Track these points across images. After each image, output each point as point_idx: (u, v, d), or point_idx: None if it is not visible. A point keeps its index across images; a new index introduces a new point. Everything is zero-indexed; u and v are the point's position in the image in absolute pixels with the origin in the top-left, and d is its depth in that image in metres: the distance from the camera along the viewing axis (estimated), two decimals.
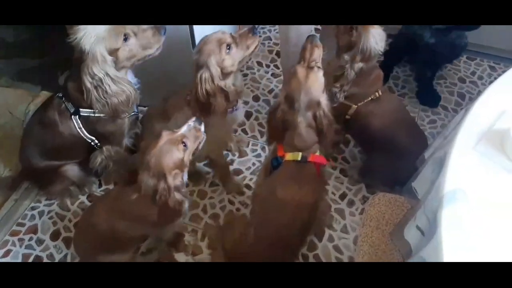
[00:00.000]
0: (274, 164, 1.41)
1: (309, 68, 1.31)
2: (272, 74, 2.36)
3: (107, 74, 1.38)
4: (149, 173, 1.25)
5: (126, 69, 1.50)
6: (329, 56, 1.54)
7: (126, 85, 1.45)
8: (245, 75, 2.34)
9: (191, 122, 1.33)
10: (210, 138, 1.44)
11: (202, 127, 1.35)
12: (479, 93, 2.24)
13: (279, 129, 1.36)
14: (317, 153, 1.37)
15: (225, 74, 1.46)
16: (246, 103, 2.21)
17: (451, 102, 2.24)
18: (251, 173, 1.94)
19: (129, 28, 1.40)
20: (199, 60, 1.41)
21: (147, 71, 1.61)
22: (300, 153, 1.34)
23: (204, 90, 1.41)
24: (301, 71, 1.30)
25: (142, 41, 1.45)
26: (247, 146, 2.04)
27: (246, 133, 2.09)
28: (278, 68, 2.39)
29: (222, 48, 1.40)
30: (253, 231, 1.39)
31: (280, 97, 1.35)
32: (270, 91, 2.28)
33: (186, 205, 1.36)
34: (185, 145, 1.28)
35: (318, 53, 1.35)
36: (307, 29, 1.77)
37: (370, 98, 1.62)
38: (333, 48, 1.62)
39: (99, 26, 1.34)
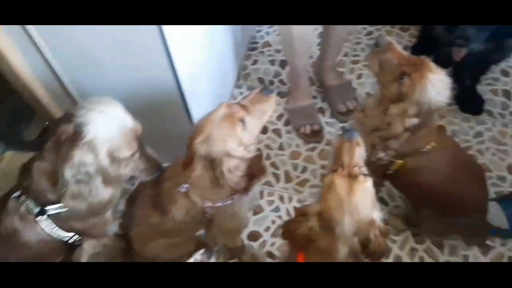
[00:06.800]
0: None
1: (352, 177, 0.91)
2: (279, 93, 1.94)
3: (102, 170, 1.07)
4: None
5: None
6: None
7: (117, 189, 1.18)
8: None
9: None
10: (226, 227, 1.27)
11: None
12: None
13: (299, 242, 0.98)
14: None
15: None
16: None
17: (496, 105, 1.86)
18: (272, 236, 1.60)
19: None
20: (211, 152, 1.05)
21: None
22: None
23: (239, 178, 1.11)
24: (340, 183, 0.90)
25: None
26: (261, 197, 1.68)
27: None
28: (284, 83, 1.98)
29: (236, 127, 1.05)
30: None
31: (308, 209, 0.95)
32: (280, 117, 1.89)
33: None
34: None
35: (360, 154, 0.96)
36: None
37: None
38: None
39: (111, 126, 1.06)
